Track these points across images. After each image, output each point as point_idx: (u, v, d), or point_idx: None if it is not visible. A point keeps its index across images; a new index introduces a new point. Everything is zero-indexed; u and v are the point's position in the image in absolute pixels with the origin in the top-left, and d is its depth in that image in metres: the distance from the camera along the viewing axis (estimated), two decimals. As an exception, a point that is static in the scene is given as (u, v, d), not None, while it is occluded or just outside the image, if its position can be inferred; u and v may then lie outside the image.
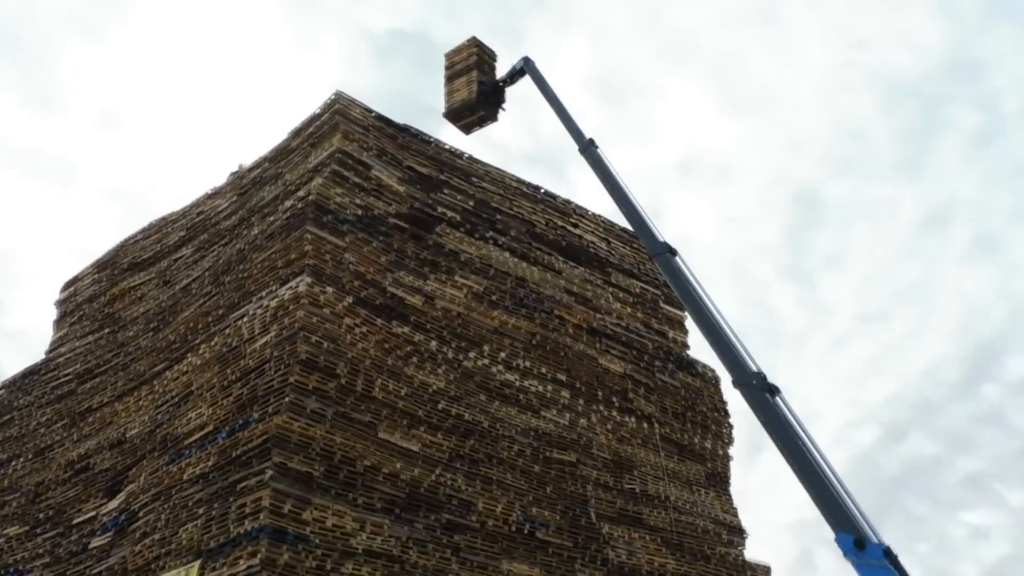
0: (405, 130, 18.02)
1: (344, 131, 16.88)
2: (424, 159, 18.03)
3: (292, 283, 14.26)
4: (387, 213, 16.38)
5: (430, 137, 18.56)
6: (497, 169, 19.50)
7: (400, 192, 16.89)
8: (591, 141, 15.62)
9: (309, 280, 13.99)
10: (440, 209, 17.41)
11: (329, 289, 14.20)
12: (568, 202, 20.31)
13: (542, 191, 20.08)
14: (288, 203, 16.00)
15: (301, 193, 15.94)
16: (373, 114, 17.73)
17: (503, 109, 19.37)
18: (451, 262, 16.80)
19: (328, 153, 16.75)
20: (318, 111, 17.87)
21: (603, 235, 20.57)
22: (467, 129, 19.78)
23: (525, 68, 18.95)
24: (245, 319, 14.40)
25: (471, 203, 18.26)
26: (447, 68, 20.14)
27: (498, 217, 18.59)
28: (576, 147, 15.67)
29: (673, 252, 13.11)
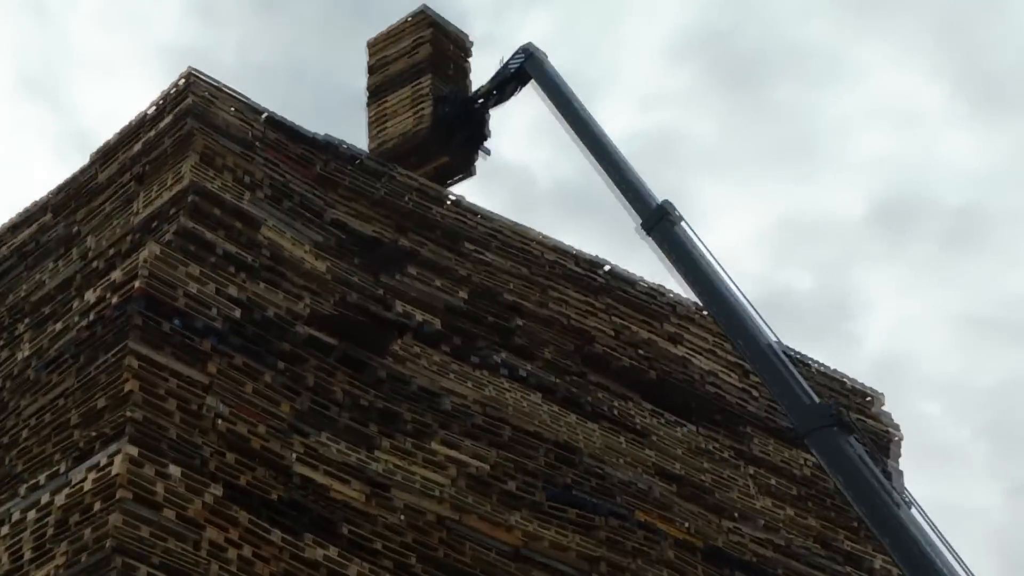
0: (329, 146, 17.02)
1: (203, 149, 15.84)
2: (368, 206, 16.96)
3: (99, 458, 13.46)
4: (291, 317, 14.99)
5: (384, 163, 17.59)
6: (514, 225, 17.71)
7: (320, 274, 15.70)
8: (664, 210, 15.62)
9: (133, 451, 13.20)
10: (400, 308, 16.13)
11: (175, 471, 13.33)
12: (657, 293, 18.38)
13: (606, 270, 18.12)
14: (91, 297, 15.10)
15: (117, 277, 14.87)
16: (264, 115, 16.79)
17: (485, 152, 18.88)
18: (423, 414, 15.34)
19: (171, 195, 15.62)
20: (151, 109, 16.85)
21: (727, 360, 18.66)
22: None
23: (527, 69, 18.42)
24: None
25: (462, 296, 16.43)
26: (373, 70, 19.52)
27: (518, 325, 16.54)
28: (636, 219, 16.08)
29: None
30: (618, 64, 46.48)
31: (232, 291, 14.74)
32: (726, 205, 44.75)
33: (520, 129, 38.24)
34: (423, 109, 18.63)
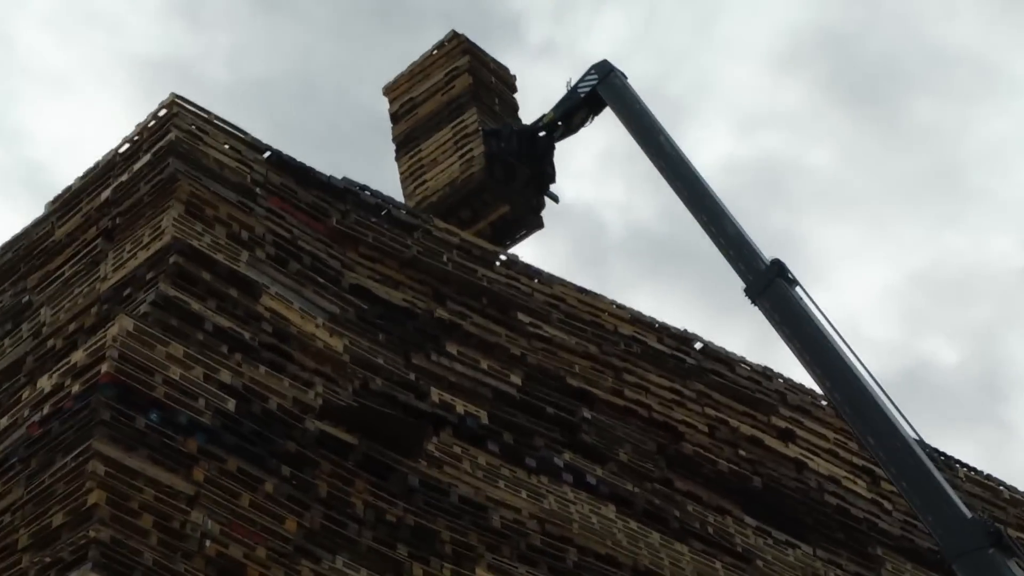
0: (348, 193, 17.16)
1: (190, 198, 15.95)
2: (398, 268, 17.02)
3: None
4: (300, 410, 14.95)
5: (417, 214, 17.80)
6: (580, 290, 17.95)
7: (336, 354, 15.72)
8: (775, 271, 15.89)
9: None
10: (437, 397, 16.12)
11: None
12: (764, 377, 18.59)
13: (698, 348, 18.56)
14: (46, 384, 14.89)
15: (80, 359, 14.71)
16: (266, 154, 16.91)
17: (552, 197, 19.62)
18: (465, 533, 15.22)
19: (149, 256, 15.69)
20: (124, 147, 16.89)
21: (853, 463, 18.71)
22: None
23: (601, 93, 18.88)
24: None
25: (515, 382, 16.59)
26: (398, 117, 20.25)
27: (586, 418, 16.94)
28: (744, 283, 16.18)
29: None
30: (712, 76, 45.57)
31: (224, 377, 14.57)
32: (848, 254, 43.73)
33: (585, 160, 37.80)
34: (471, 150, 18.97)
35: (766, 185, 42.66)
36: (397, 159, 19.96)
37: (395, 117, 20.21)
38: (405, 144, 19.89)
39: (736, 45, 44.15)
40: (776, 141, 44.80)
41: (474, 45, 20.15)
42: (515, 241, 19.61)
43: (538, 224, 19.59)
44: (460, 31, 19.98)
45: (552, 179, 19.68)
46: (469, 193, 19.13)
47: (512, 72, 20.58)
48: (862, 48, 42.98)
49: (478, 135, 19.26)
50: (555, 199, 19.53)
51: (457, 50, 20.01)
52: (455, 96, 19.68)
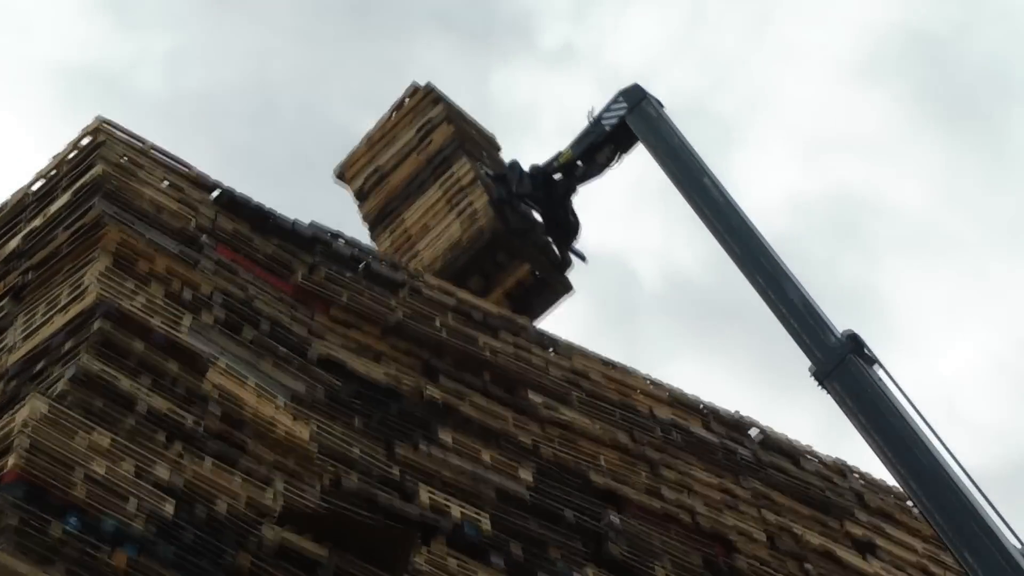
0: (317, 242, 17.59)
1: (119, 248, 15.96)
2: (378, 335, 17.09)
3: None
4: (256, 514, 14.75)
5: (402, 268, 18.39)
6: (606, 362, 18.20)
7: (300, 444, 15.62)
8: (850, 347, 16.09)
9: None
10: (426, 497, 16.10)
11: None
12: (836, 472, 18.96)
13: (754, 435, 18.88)
14: None
15: None
16: (215, 192, 17.24)
17: (578, 256, 20.14)
18: None
19: (67, 320, 15.59)
20: (37, 184, 17.29)
21: None
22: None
23: (632, 127, 19.26)
24: None
25: (525, 479, 16.65)
26: (365, 194, 20.82)
27: (614, 524, 17.04)
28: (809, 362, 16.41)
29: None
30: (769, 90, 45.27)
31: (161, 473, 14.10)
32: (941, 313, 43.51)
33: (611, 196, 37.92)
34: (472, 203, 19.33)
35: (838, 227, 42.12)
36: (374, 238, 20.32)
37: (361, 194, 20.68)
38: (381, 220, 20.31)
39: (799, 51, 43.51)
40: (851, 171, 44.24)
41: (444, 95, 20.67)
42: (539, 313, 19.70)
43: (565, 287, 19.58)
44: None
45: (576, 232, 20.09)
46: (479, 253, 19.34)
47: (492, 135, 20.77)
48: (959, 55, 42.60)
49: (477, 183, 19.32)
50: (582, 257, 19.63)
51: (425, 102, 20.51)
52: (436, 151, 20.08)
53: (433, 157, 20.42)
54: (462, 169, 20.20)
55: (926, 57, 42.01)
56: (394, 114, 21.10)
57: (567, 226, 20.22)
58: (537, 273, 20.00)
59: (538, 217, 20.13)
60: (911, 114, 43.12)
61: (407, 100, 21.12)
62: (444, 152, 20.53)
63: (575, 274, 21.14)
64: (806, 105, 42.60)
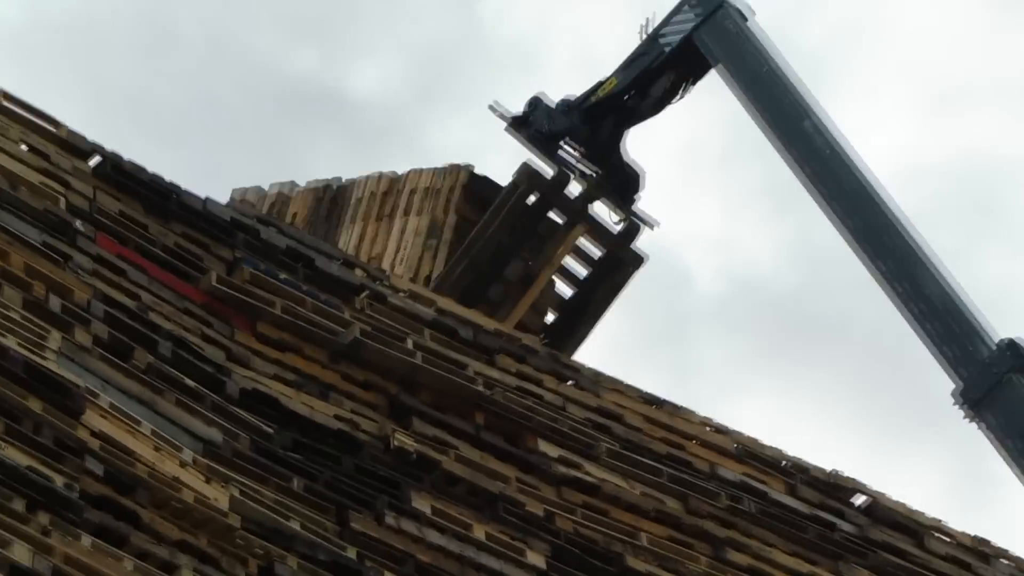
0: (239, 226, 17.53)
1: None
2: (328, 359, 17.06)
3: None
4: None
5: (357, 262, 18.63)
6: (647, 399, 18.20)
7: (215, 512, 15.40)
8: (1010, 359, 16.42)
9: None
10: None
11: None
12: (970, 550, 18.52)
13: (860, 505, 18.61)
14: None
15: None
16: (98, 161, 16.86)
17: (646, 222, 20.77)
18: None
19: None
20: None
21: None
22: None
23: (704, 42, 19.76)
24: None
25: (534, 564, 16.45)
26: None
27: None
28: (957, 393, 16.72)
29: None
30: (883, 15, 44.90)
31: (21, 555, 13.00)
32: None
33: (655, 164, 37.02)
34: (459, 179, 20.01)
35: (973, 202, 41.97)
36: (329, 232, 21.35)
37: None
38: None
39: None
40: (989, 130, 44.86)
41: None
42: (599, 311, 20.02)
43: (635, 261, 19.73)
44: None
45: (636, 184, 20.13)
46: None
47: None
48: None
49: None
50: (649, 225, 19.64)
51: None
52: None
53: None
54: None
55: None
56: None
57: (627, 178, 20.14)
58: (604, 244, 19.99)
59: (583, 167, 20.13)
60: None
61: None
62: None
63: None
64: (930, 37, 43.16)
